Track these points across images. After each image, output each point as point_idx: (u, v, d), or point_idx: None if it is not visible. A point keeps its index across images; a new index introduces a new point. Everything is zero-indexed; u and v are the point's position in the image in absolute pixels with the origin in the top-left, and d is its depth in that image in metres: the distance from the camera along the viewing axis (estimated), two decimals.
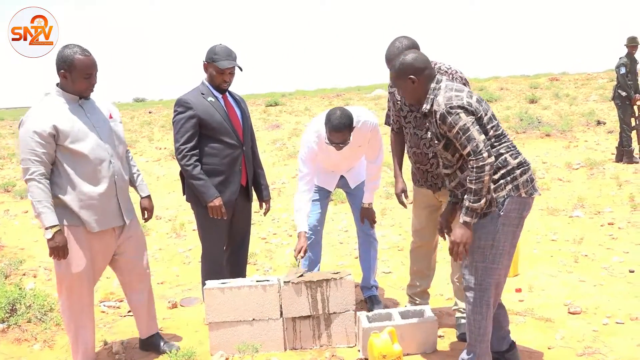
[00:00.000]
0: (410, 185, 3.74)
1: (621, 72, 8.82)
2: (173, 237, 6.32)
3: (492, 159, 2.63)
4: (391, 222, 6.42)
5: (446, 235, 3.03)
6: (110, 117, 3.18)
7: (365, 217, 3.93)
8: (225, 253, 3.85)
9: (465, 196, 2.67)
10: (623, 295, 4.02)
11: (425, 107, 2.81)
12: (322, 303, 3.38)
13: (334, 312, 3.41)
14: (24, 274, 5.15)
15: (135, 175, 3.36)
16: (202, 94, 3.59)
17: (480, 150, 2.61)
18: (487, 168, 2.60)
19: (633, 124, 8.92)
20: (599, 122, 12.94)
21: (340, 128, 3.41)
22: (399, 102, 3.52)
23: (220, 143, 3.57)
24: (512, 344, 3.06)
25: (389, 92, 3.62)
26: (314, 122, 3.78)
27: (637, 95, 8.86)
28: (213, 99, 3.59)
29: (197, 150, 3.53)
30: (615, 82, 9.18)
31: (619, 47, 9.10)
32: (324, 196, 3.99)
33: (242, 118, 3.72)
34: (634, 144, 8.98)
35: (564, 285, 4.29)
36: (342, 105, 20.34)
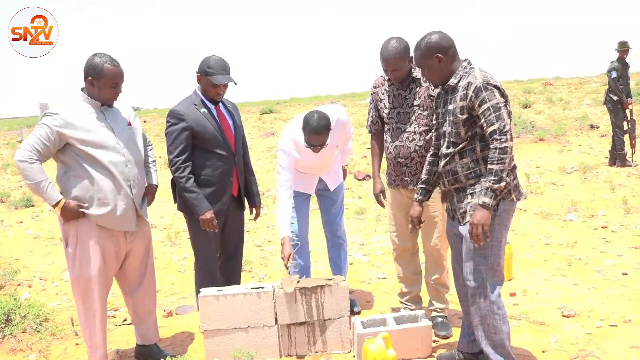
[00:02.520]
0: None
1: (613, 76, 8.88)
2: (168, 245, 6.32)
3: (513, 143, 2.66)
4: (385, 228, 6.43)
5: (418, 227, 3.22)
6: (129, 124, 3.23)
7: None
8: (219, 261, 3.85)
9: (485, 178, 2.70)
10: (616, 298, 4.04)
11: (453, 81, 2.84)
12: (316, 309, 3.39)
13: (329, 318, 3.42)
14: (19, 284, 5.15)
15: (148, 165, 3.42)
16: (195, 104, 3.56)
17: (507, 131, 2.63)
18: (509, 150, 2.63)
19: (625, 127, 8.99)
20: (592, 126, 13.02)
21: (319, 130, 3.47)
22: (382, 100, 3.58)
23: (212, 154, 3.56)
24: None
25: (372, 94, 3.68)
26: (288, 128, 3.82)
27: (629, 99, 8.93)
28: (206, 110, 3.57)
29: (190, 162, 3.52)
30: (607, 86, 9.24)
31: (612, 51, 9.16)
32: (304, 201, 4.01)
33: (235, 128, 3.71)
34: (627, 147, 9.04)
35: (558, 288, 4.31)
36: None
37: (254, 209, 3.96)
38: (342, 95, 30.17)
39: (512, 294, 4.23)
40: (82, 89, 3.11)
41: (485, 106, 2.67)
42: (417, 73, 3.43)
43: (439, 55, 2.81)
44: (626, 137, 9.00)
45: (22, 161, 2.91)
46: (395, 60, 3.31)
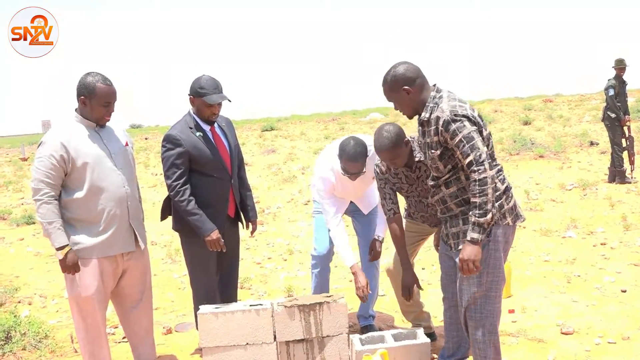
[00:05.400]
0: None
1: (610, 94, 8.93)
2: (168, 262, 6.34)
3: (493, 171, 2.59)
4: (385, 245, 6.44)
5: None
6: (126, 144, 3.26)
7: (373, 250, 3.82)
8: (215, 279, 3.83)
9: (470, 212, 2.61)
10: (615, 315, 4.05)
11: (425, 115, 2.77)
12: (315, 326, 3.40)
13: (327, 335, 3.42)
14: (19, 302, 5.16)
15: None
16: (190, 128, 3.52)
17: (483, 161, 2.56)
18: (488, 180, 2.54)
19: (623, 144, 9.03)
20: (592, 143, 13.06)
21: (356, 158, 3.40)
22: (395, 183, 3.47)
23: (208, 177, 3.53)
24: None
25: (380, 179, 3.48)
26: (324, 156, 3.78)
27: (627, 116, 8.98)
28: (201, 133, 3.53)
29: (189, 185, 3.48)
30: (604, 104, 9.30)
31: (610, 68, 9.24)
32: None
33: (230, 149, 3.68)
34: (626, 164, 9.08)
35: (557, 305, 4.31)
36: (337, 129, 20.32)
37: (250, 224, 3.93)
38: (342, 113, 30.28)
39: (511, 311, 4.24)
40: (76, 109, 3.12)
41: (457, 138, 2.61)
42: (420, 155, 3.30)
43: (406, 88, 2.77)
44: (625, 154, 9.04)
45: (39, 200, 2.93)
46: (389, 151, 3.15)
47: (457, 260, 2.77)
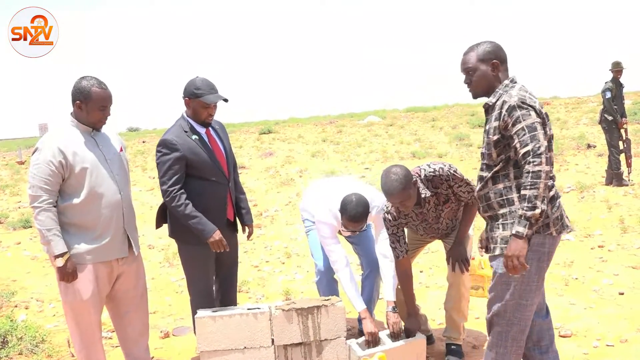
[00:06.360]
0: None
1: (607, 97, 8.96)
2: (166, 266, 6.33)
3: (549, 167, 2.45)
4: None
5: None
6: (121, 150, 3.25)
7: (389, 323, 3.56)
8: (215, 285, 3.81)
9: (519, 204, 2.49)
10: (613, 318, 4.05)
11: (491, 99, 2.66)
12: (313, 330, 3.40)
13: (326, 339, 3.41)
14: (16, 306, 5.14)
15: None
16: (185, 131, 3.46)
17: (541, 154, 2.41)
18: (543, 175, 2.40)
19: (621, 147, 9.04)
20: (589, 146, 13.08)
21: (357, 218, 3.41)
22: (408, 223, 3.52)
23: (206, 182, 3.48)
24: None
25: (392, 225, 3.48)
26: (322, 202, 3.74)
27: (624, 118, 9.00)
28: (197, 137, 3.48)
29: (184, 190, 3.41)
30: (602, 106, 9.32)
31: (607, 71, 9.26)
32: None
33: (226, 152, 3.64)
34: (623, 166, 9.09)
35: (555, 308, 4.30)
36: (335, 131, 20.29)
37: (246, 227, 3.90)
38: (340, 116, 30.28)
39: None
40: (72, 114, 3.10)
41: (519, 126, 2.48)
42: (425, 192, 3.34)
43: (496, 62, 2.64)
44: (622, 157, 9.06)
45: (37, 207, 2.90)
46: (400, 194, 3.15)
47: (495, 267, 2.66)
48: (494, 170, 2.63)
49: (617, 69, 9.10)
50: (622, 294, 4.50)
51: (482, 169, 2.72)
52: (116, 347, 4.10)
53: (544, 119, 2.55)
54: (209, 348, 3.35)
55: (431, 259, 5.90)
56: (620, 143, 9.05)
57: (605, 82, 9.12)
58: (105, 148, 3.15)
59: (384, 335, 3.44)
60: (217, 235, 3.42)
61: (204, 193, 3.48)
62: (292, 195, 10.36)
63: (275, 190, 11.02)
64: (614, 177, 9.02)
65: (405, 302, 3.59)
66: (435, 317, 4.29)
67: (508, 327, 2.67)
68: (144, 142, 25.76)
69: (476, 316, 4.29)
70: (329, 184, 3.97)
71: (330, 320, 3.40)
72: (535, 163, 2.41)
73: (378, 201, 3.65)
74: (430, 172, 3.33)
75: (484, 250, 2.84)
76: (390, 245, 3.52)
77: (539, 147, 2.42)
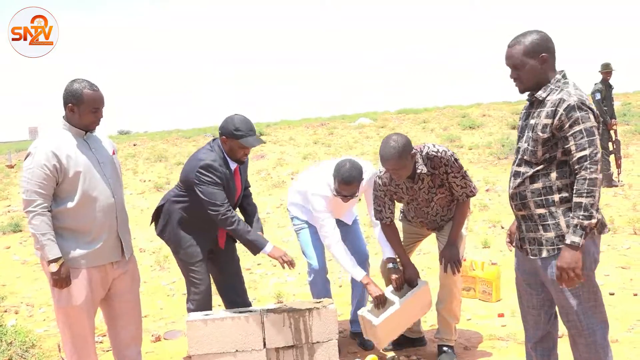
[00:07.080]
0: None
1: (596, 98, 9.03)
2: (157, 269, 6.30)
3: (601, 175, 2.40)
4: (374, 250, 6.44)
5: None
6: (114, 153, 3.23)
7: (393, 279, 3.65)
8: (225, 295, 3.80)
9: (572, 213, 2.38)
10: None
11: (541, 94, 2.53)
12: (304, 333, 3.39)
13: (317, 342, 3.41)
14: (6, 311, 5.10)
15: None
16: (221, 165, 3.45)
17: (597, 160, 2.35)
18: (598, 182, 2.33)
19: (610, 148, 9.11)
20: None
21: (351, 181, 3.43)
22: (396, 193, 3.53)
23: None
24: None
25: (381, 190, 3.55)
26: (319, 172, 3.80)
27: (613, 120, 9.08)
28: (228, 171, 3.49)
29: (189, 200, 3.50)
30: None
31: (596, 73, 9.33)
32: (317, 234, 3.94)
33: (242, 187, 3.69)
34: (613, 167, 9.15)
35: None
36: (327, 133, 20.32)
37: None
38: (332, 118, 30.32)
39: (501, 315, 4.25)
40: (64, 117, 3.08)
41: (577, 128, 2.38)
42: (422, 167, 3.36)
43: (545, 55, 2.50)
44: (612, 158, 9.13)
45: (32, 212, 2.86)
46: (395, 161, 3.19)
47: (549, 274, 2.55)
48: (535, 169, 2.54)
49: (606, 70, 9.17)
50: (613, 294, 4.52)
51: (518, 164, 2.62)
52: (107, 351, 4.08)
53: (599, 124, 2.49)
54: (201, 351, 3.33)
55: (423, 261, 5.91)
56: (610, 144, 9.12)
57: (595, 84, 9.20)
58: (98, 151, 3.12)
59: (389, 294, 3.50)
60: (274, 250, 3.46)
61: (205, 215, 3.42)
62: (284, 197, 10.35)
63: (267, 192, 11.01)
64: (604, 178, 9.08)
65: (398, 255, 3.64)
66: (427, 318, 4.29)
67: (593, 338, 2.61)
68: (135, 145, 25.67)
69: (468, 317, 4.31)
70: (323, 164, 3.97)
71: (322, 323, 3.40)
72: (592, 170, 2.34)
73: (371, 172, 3.70)
74: (433, 151, 3.36)
75: (511, 245, 2.81)
76: (375, 209, 3.58)
77: (596, 153, 2.36)
